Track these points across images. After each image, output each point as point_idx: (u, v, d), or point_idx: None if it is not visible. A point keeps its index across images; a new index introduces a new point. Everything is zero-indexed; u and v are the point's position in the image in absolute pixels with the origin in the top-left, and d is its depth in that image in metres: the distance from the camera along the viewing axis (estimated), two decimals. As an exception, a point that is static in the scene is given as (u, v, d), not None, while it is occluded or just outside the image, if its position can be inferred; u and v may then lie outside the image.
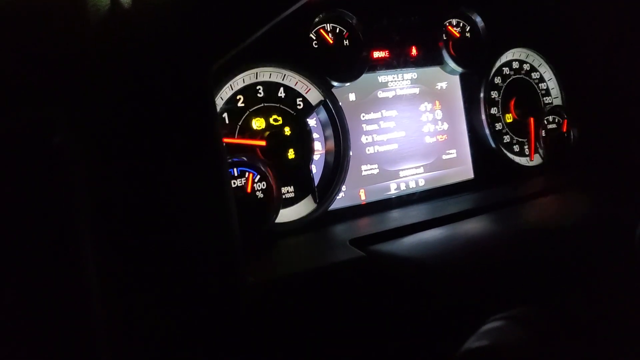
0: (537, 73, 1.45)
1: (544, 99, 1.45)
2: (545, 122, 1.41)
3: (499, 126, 1.37)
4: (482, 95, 1.32)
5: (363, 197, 1.18)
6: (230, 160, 0.99)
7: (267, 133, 1.06)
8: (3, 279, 0.61)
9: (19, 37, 0.66)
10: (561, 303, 0.64)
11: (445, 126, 1.30)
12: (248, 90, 1.06)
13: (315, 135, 1.13)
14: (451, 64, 1.29)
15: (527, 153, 1.41)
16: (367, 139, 1.19)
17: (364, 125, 1.19)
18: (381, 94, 1.22)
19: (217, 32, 0.76)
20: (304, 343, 0.81)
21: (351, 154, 1.14)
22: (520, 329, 0.54)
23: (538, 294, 0.74)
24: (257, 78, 1.07)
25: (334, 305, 0.82)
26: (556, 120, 1.42)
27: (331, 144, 1.14)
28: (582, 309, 0.64)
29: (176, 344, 0.71)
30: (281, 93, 1.09)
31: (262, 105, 1.07)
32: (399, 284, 0.82)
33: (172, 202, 0.71)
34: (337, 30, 1.16)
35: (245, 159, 1.01)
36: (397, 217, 1.10)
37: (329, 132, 1.14)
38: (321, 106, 1.12)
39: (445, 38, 1.30)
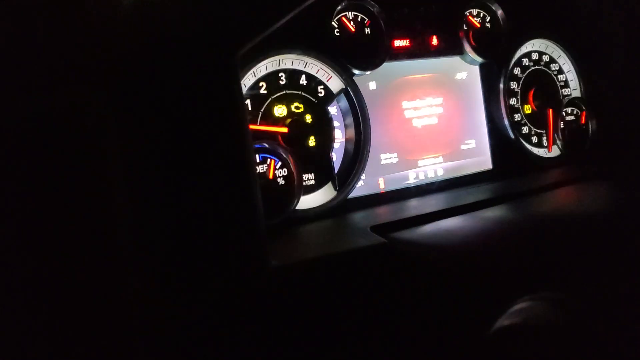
0: (556, 64, 1.45)
1: (563, 90, 1.45)
2: (564, 113, 1.40)
3: (517, 117, 1.37)
4: (501, 85, 1.32)
5: (382, 186, 1.18)
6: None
7: (289, 120, 1.07)
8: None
9: (58, 22, 0.67)
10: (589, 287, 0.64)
11: (465, 116, 1.30)
12: (270, 78, 1.06)
13: (335, 124, 1.13)
14: (471, 54, 1.29)
15: (545, 144, 1.40)
16: (386, 128, 1.19)
17: (384, 114, 1.19)
18: (401, 83, 1.22)
19: (244, 17, 0.77)
20: (325, 327, 0.81)
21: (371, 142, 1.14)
22: (551, 308, 0.54)
23: (558, 282, 0.74)
24: (279, 65, 1.07)
25: (355, 291, 0.83)
26: (574, 112, 1.42)
27: (351, 132, 1.14)
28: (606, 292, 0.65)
29: (199, 327, 0.72)
30: (303, 81, 1.10)
31: (284, 92, 1.08)
32: (420, 270, 0.83)
33: (200, 187, 0.72)
34: (359, 19, 1.17)
35: (267, 145, 1.02)
36: (417, 206, 1.10)
37: (350, 120, 1.14)
38: (342, 94, 1.13)
39: (465, 28, 1.29)
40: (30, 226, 0.63)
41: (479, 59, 1.30)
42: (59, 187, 0.64)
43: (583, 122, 1.41)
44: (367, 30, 1.17)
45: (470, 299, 0.73)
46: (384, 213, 1.08)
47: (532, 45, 1.41)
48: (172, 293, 0.70)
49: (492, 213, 0.99)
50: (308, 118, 1.09)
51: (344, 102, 1.14)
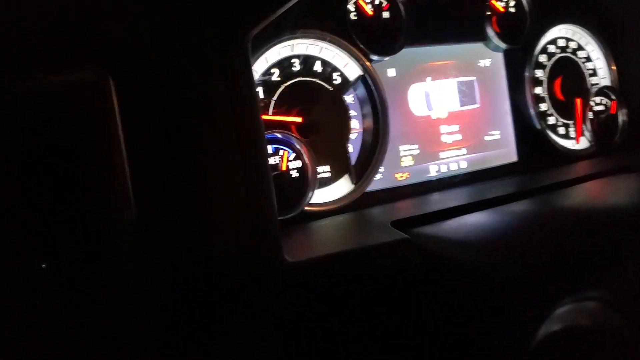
0: (584, 52, 1.37)
1: (591, 79, 1.37)
2: (592, 103, 1.33)
3: (544, 107, 1.30)
4: (527, 73, 1.25)
5: (401, 179, 1.12)
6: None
7: (303, 109, 1.01)
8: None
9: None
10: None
11: (488, 106, 1.23)
12: (283, 64, 1.00)
13: (352, 113, 1.07)
14: (495, 40, 1.22)
15: (572, 136, 1.33)
16: (406, 118, 1.13)
17: (403, 103, 1.13)
18: (422, 70, 1.15)
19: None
20: (342, 326, 0.76)
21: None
22: (602, 308, 0.48)
23: (591, 279, 0.68)
24: (292, 51, 1.01)
25: (374, 290, 0.77)
26: (604, 102, 1.35)
27: (369, 122, 1.08)
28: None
29: (211, 325, 0.68)
30: (318, 67, 1.04)
31: (298, 79, 1.02)
32: (445, 268, 0.77)
33: (210, 178, 0.68)
34: (377, 2, 1.10)
35: (279, 135, 0.96)
36: (439, 200, 1.04)
37: (367, 109, 1.08)
38: (359, 81, 1.06)
39: (488, 13, 1.22)
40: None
41: (503, 46, 1.23)
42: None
43: (613, 112, 1.34)
44: (385, 14, 1.11)
45: (506, 301, 0.67)
46: (404, 207, 1.02)
47: (559, 31, 1.34)
48: (183, 290, 0.66)
49: (521, 207, 0.93)
50: (323, 107, 1.03)
51: (361, 90, 1.08)
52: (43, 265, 0.60)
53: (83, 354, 0.61)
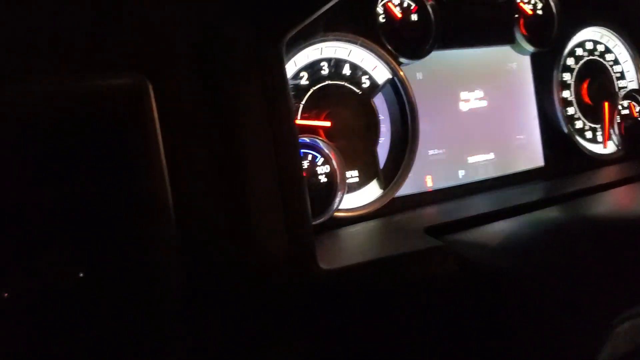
0: (612, 55, 1.35)
1: (619, 82, 1.35)
2: (620, 107, 1.31)
3: (571, 110, 1.28)
4: (554, 77, 1.23)
5: (430, 184, 1.10)
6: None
7: (331, 113, 0.99)
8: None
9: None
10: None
11: (515, 109, 1.22)
12: (312, 67, 0.99)
13: (380, 117, 1.05)
14: (522, 42, 1.20)
15: (600, 140, 1.31)
16: (434, 122, 1.11)
17: (431, 107, 1.11)
18: (450, 74, 1.14)
19: (290, 1, 0.70)
20: (376, 335, 0.75)
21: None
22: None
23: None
24: (321, 54, 1.00)
25: (407, 297, 0.76)
26: (632, 106, 1.32)
27: (398, 126, 1.06)
28: None
29: (245, 332, 0.67)
30: (346, 70, 1.02)
31: (327, 83, 1.00)
32: (483, 276, 0.75)
33: (247, 185, 0.67)
34: (405, 5, 1.08)
35: (307, 140, 0.95)
36: (469, 205, 1.02)
37: (396, 113, 1.06)
38: (388, 85, 1.05)
39: (516, 16, 1.20)
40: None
41: (531, 49, 1.21)
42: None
43: (641, 116, 1.32)
44: (414, 17, 1.09)
45: (554, 314, 0.64)
46: (434, 213, 1.00)
47: (587, 34, 1.32)
48: (222, 300, 0.65)
49: (555, 214, 0.91)
50: (352, 111, 1.01)
51: (390, 94, 1.06)
52: (81, 274, 0.59)
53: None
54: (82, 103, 0.58)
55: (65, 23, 0.60)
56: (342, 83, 1.02)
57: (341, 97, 1.01)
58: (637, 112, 1.32)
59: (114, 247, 0.60)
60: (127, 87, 0.59)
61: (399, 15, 1.07)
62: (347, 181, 0.99)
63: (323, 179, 0.95)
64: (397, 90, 1.05)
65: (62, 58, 0.60)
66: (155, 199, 0.60)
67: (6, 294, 0.56)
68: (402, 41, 1.06)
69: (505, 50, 1.22)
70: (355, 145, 1.02)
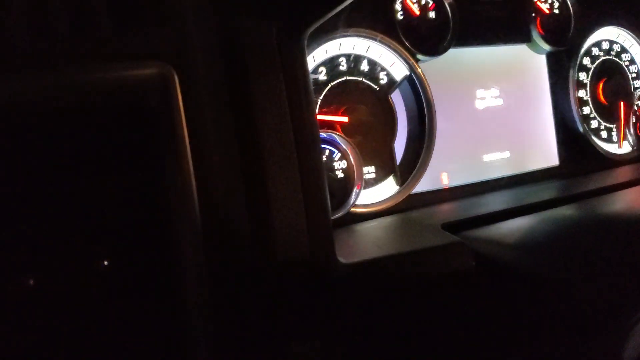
0: (628, 54, 1.35)
1: (635, 82, 1.35)
2: (636, 107, 1.30)
3: (586, 110, 1.28)
4: (570, 76, 1.23)
5: (446, 181, 1.10)
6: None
7: (349, 109, 0.99)
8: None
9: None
10: None
11: (531, 108, 1.21)
12: (331, 62, 0.99)
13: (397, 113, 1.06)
14: (539, 41, 1.20)
15: (615, 140, 1.31)
16: (450, 119, 1.11)
17: (448, 104, 1.11)
18: (466, 71, 1.14)
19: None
20: (393, 328, 0.76)
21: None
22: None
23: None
24: (340, 49, 1.00)
25: (425, 292, 0.76)
26: (647, 106, 1.32)
27: (415, 122, 1.07)
28: None
29: (266, 326, 0.68)
30: (364, 66, 1.02)
31: (345, 78, 1.00)
32: (501, 272, 0.75)
33: (269, 179, 0.67)
34: (423, 2, 1.08)
35: (324, 135, 0.95)
36: (486, 203, 1.02)
37: (414, 109, 1.06)
38: (406, 81, 1.05)
39: (533, 14, 1.20)
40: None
41: (547, 48, 1.21)
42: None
43: (657, 116, 1.31)
44: (432, 14, 1.09)
45: (573, 313, 0.64)
46: (451, 210, 1.00)
47: (603, 34, 1.31)
48: (244, 295, 0.65)
49: (572, 212, 0.91)
50: (369, 107, 1.01)
51: (407, 90, 1.06)
52: (105, 263, 0.59)
53: (140, 355, 0.60)
54: (110, 93, 0.58)
55: (89, 11, 0.60)
56: (360, 79, 1.02)
57: (359, 92, 1.01)
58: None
59: (139, 237, 0.60)
60: (154, 77, 0.60)
61: (417, 12, 1.07)
62: (364, 177, 0.99)
63: (340, 174, 0.96)
64: (415, 87, 1.05)
65: (86, 47, 0.60)
66: (180, 191, 0.60)
67: (32, 281, 0.57)
68: (419, 38, 1.06)
69: (521, 49, 1.22)
70: (372, 141, 1.02)
